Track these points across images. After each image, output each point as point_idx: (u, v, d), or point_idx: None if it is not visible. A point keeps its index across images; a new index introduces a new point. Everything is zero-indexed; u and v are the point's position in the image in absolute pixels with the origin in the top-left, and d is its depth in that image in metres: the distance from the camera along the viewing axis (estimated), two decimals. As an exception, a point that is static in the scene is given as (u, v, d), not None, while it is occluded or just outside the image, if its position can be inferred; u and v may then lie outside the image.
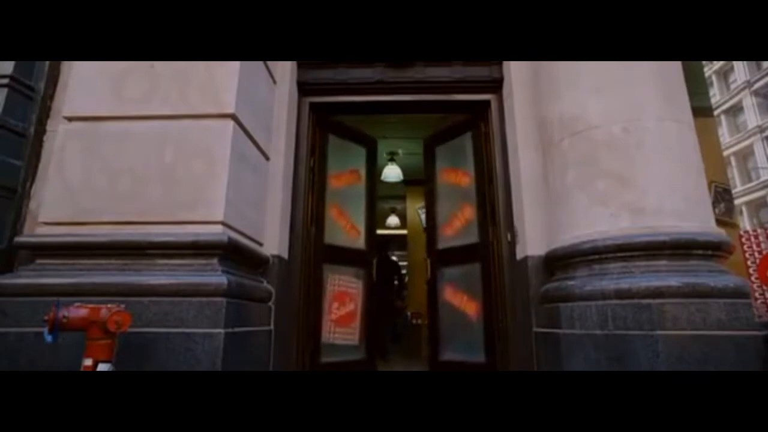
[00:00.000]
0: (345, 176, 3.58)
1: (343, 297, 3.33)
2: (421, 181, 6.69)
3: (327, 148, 3.42)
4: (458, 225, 3.42)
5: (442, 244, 3.51)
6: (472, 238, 3.24)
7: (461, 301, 3.26)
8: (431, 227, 3.65)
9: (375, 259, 5.11)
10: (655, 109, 2.24)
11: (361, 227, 3.60)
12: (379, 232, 7.40)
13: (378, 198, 4.14)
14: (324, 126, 3.41)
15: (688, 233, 2.04)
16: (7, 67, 2.45)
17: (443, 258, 3.47)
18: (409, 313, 6.66)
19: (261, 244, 2.65)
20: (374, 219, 3.73)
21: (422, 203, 6.93)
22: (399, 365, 4.84)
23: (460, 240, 3.37)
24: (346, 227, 3.49)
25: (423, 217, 6.96)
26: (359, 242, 3.55)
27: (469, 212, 3.34)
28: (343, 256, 3.37)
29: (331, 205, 3.38)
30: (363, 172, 3.71)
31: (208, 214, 2.08)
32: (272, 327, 2.59)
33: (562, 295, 2.25)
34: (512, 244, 2.84)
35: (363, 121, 4.47)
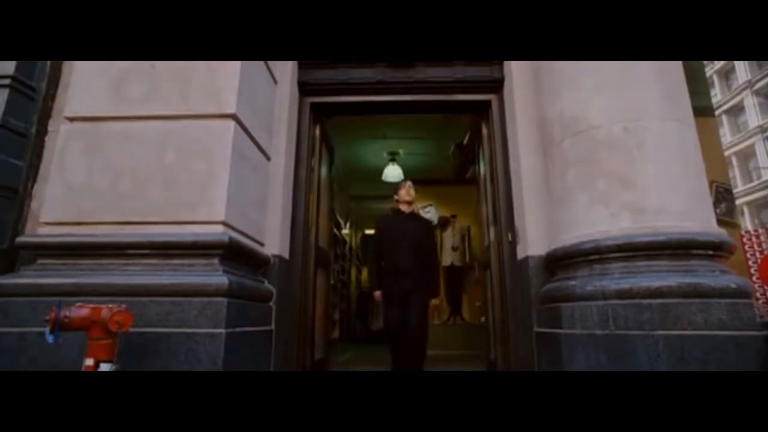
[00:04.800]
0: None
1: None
2: (421, 181, 6.75)
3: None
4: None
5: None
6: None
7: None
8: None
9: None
10: (656, 109, 2.24)
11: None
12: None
13: (381, 198, 4.15)
14: (323, 126, 3.41)
15: (689, 233, 2.04)
16: (8, 67, 2.46)
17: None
18: None
19: (262, 244, 2.65)
20: (327, 219, 3.90)
21: (424, 203, 6.97)
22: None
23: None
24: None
25: (427, 216, 6.99)
26: (322, 241, 3.62)
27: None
28: (321, 256, 3.44)
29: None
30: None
31: (209, 214, 2.08)
32: (273, 327, 2.59)
33: (563, 295, 2.25)
34: (513, 244, 2.84)
35: (364, 121, 4.45)
